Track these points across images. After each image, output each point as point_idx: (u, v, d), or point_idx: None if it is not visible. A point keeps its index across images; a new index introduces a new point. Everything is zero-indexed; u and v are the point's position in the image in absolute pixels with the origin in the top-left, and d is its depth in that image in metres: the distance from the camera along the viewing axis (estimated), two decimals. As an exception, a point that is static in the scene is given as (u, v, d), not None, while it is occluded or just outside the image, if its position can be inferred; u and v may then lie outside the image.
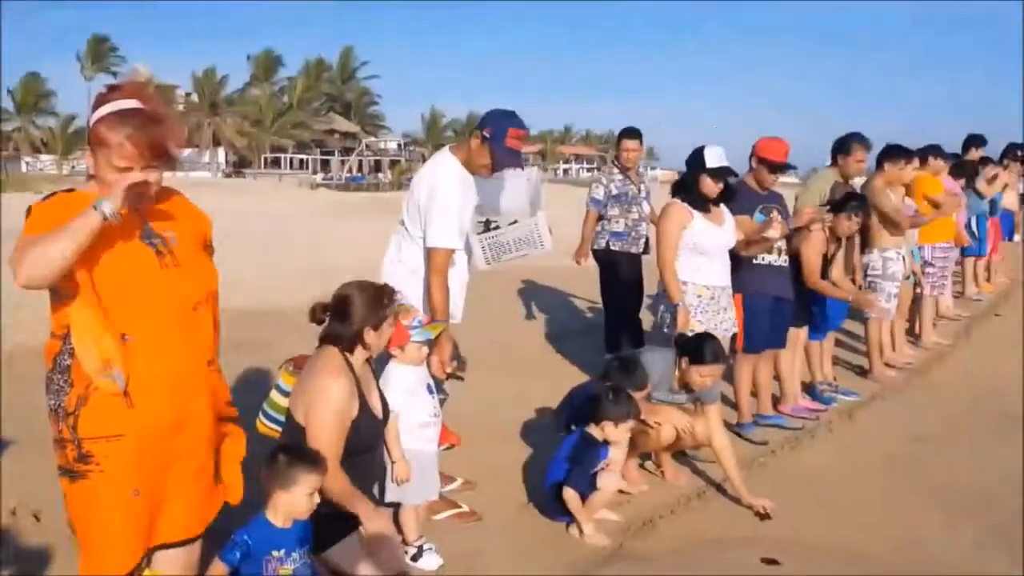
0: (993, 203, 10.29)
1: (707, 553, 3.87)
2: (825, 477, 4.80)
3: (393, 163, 63.02)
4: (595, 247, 6.99)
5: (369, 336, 3.17)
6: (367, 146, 65.02)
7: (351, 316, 3.12)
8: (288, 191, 40.03)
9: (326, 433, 3.03)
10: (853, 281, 6.06)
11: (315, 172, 58.01)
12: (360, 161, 63.20)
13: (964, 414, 5.93)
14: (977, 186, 9.71)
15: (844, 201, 5.55)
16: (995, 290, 10.79)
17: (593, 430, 4.05)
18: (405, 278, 4.00)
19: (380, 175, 60.55)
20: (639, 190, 6.92)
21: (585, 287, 8.97)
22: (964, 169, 9.13)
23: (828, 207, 5.58)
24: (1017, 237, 15.46)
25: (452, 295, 4.07)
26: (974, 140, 10.31)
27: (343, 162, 61.79)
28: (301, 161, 61.60)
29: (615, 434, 4.01)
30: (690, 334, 4.56)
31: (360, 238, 16.43)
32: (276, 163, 60.11)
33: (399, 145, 70.47)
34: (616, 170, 6.98)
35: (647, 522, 4.09)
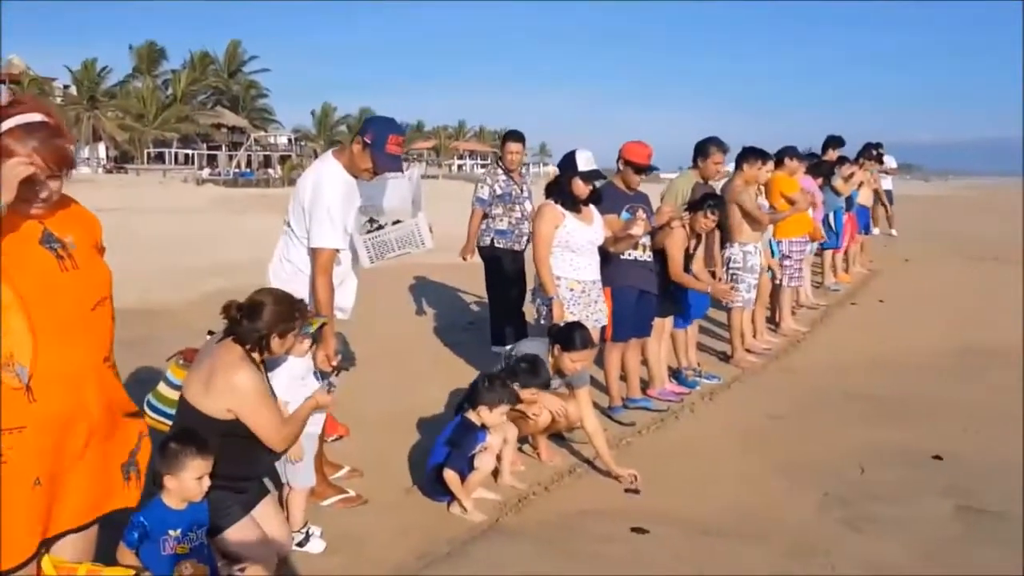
0: (849, 199, 11.12)
1: (578, 524, 4.22)
2: (686, 453, 5.26)
3: (283, 158, 61.88)
4: (480, 244, 7.31)
5: (274, 342, 3.39)
6: (256, 141, 63.60)
7: (261, 320, 3.34)
8: (174, 187, 38.87)
9: (264, 419, 3.28)
10: (714, 275, 6.57)
11: (201, 167, 56.36)
12: (249, 156, 61.77)
13: (813, 394, 6.52)
14: (834, 184, 10.49)
15: (702, 200, 6.03)
16: (852, 280, 11.67)
17: (471, 415, 4.37)
18: (291, 276, 4.20)
19: (270, 171, 59.28)
20: (522, 190, 7.27)
21: (471, 283, 9.28)
22: (821, 168, 9.83)
23: (687, 206, 6.05)
24: (876, 230, 16.66)
25: (340, 292, 4.30)
26: (832, 141, 11.11)
27: (231, 157, 60.27)
28: (186, 156, 59.79)
29: (491, 418, 4.34)
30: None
31: (250, 235, 16.27)
32: (160, 158, 58.15)
33: (289, 140, 69.20)
34: (500, 171, 7.31)
35: (522, 499, 4.44)
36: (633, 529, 4.13)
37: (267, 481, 3.67)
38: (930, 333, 8.60)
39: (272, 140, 67.24)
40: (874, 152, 12.39)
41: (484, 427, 4.36)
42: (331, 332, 4.07)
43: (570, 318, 5.09)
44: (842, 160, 11.06)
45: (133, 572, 2.83)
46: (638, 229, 5.26)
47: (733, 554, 3.88)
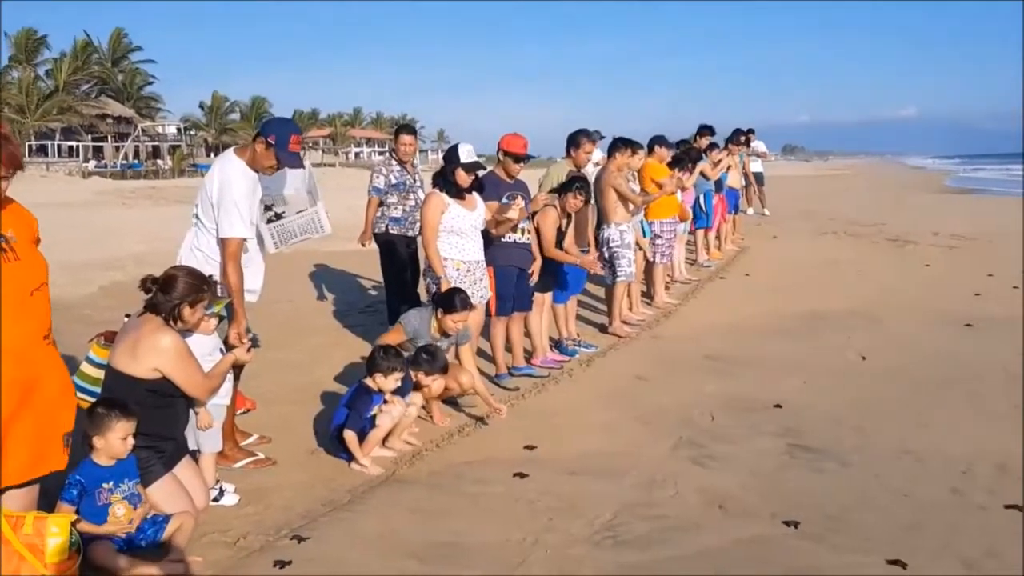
0: (719, 182, 12.08)
1: (465, 472, 4.83)
2: (563, 411, 5.94)
3: (173, 148, 60.36)
4: (376, 231, 7.82)
5: (185, 311, 3.89)
6: (143, 131, 61.81)
7: (174, 291, 3.83)
8: (58, 180, 37.72)
9: (188, 372, 3.80)
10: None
11: (87, 159, 54.50)
12: (136, 147, 60.02)
13: (676, 357, 7.32)
14: (703, 168, 11.39)
15: (570, 183, 6.70)
16: (723, 257, 12.66)
17: (368, 381, 4.94)
18: (203, 263, 4.63)
19: (159, 161, 57.81)
20: (415, 180, 7.80)
21: (369, 268, 9.78)
22: (687, 154, 10.61)
23: (557, 189, 6.73)
24: (750, 210, 17.86)
25: (249, 275, 4.78)
26: (704, 129, 12.02)
27: (118, 148, 58.43)
28: (71, 148, 57.64)
29: (386, 384, 4.91)
30: None
31: (142, 227, 16.28)
32: (43, 151, 55.90)
33: (179, 129, 67.47)
34: (394, 162, 7.83)
35: (416, 454, 5.03)
36: (515, 474, 4.77)
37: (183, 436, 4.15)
38: (784, 301, 9.59)
39: (160, 130, 65.36)
40: (742, 138, 13.39)
41: (380, 392, 4.93)
42: (242, 311, 4.56)
43: (457, 295, 5.70)
44: (712, 146, 12.00)
45: (73, 517, 3.32)
46: (514, 213, 5.88)
47: (592, 487, 4.56)
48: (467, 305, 5.32)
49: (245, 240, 4.67)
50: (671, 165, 10.01)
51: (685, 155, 10.41)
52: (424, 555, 3.77)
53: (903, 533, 4.06)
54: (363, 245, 8.08)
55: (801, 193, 28.82)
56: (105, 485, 3.50)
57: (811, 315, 9.01)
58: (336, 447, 4.89)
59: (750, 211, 17.84)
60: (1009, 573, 3.66)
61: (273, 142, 4.65)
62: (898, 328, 8.46)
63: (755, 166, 17.41)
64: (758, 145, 17.36)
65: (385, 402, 4.97)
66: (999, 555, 3.84)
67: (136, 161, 56.58)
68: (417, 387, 5.21)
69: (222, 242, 4.58)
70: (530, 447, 5.17)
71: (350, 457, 4.82)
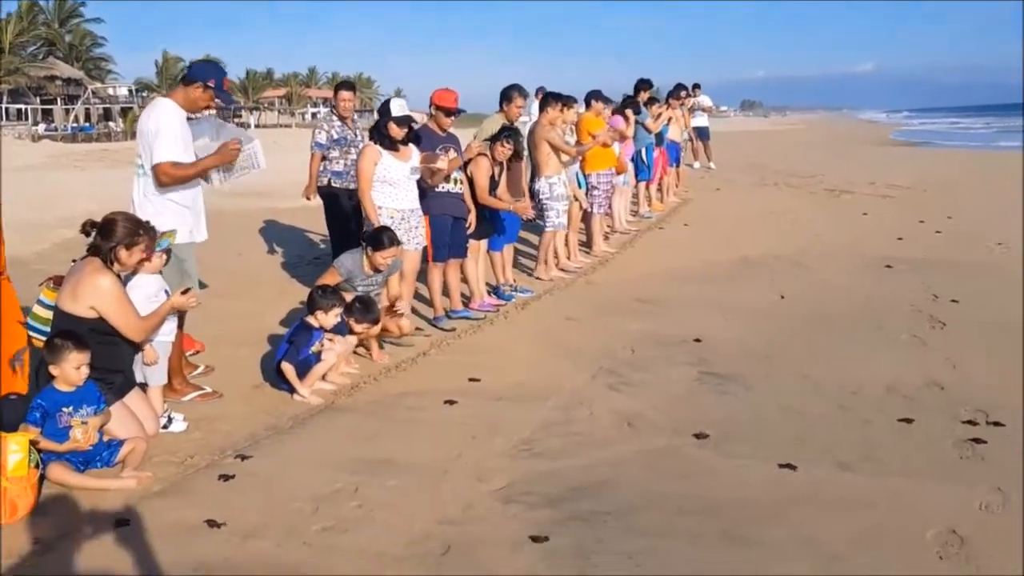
0: (659, 136, 12.47)
1: (400, 401, 5.22)
2: (494, 349, 6.34)
3: (125, 110, 59.38)
4: (319, 185, 8.11)
5: (122, 253, 4.21)
6: (94, 93, 60.69)
7: (113, 235, 4.15)
8: (8, 144, 37.02)
9: (123, 314, 4.11)
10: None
11: (36, 123, 53.47)
12: (87, 110, 58.95)
13: (608, 300, 7.75)
14: (644, 122, 11.77)
15: (499, 133, 7.04)
16: (665, 209, 13.10)
17: (310, 319, 5.30)
18: (160, 208, 4.95)
19: (111, 124, 56.88)
20: (355, 135, 8.09)
21: (316, 223, 10.06)
22: (626, 105, 10.97)
23: (488, 139, 7.06)
24: (696, 164, 18.32)
25: (196, 220, 5.15)
26: (643, 84, 12.35)
27: (68, 111, 57.37)
28: (19, 111, 56.46)
29: (326, 320, 5.28)
30: None
31: (96, 187, 16.34)
32: (-11, 113, 54.80)
33: (130, 91, 66.30)
34: (335, 117, 8.10)
35: (354, 387, 5.42)
36: (446, 401, 5.17)
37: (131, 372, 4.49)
38: (717, 249, 10.06)
39: (112, 92, 64.19)
40: (682, 92, 13.77)
41: (321, 328, 5.30)
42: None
43: (395, 241, 6.05)
44: (652, 101, 12.36)
45: (32, 436, 3.67)
46: (442, 163, 6.21)
47: (515, 411, 4.98)
48: (394, 242, 5.66)
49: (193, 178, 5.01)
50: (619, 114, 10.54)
51: (636, 108, 10.79)
52: (356, 468, 4.16)
53: (792, 443, 4.53)
54: (308, 199, 8.37)
55: (751, 148, 29.37)
56: (65, 409, 3.84)
57: (741, 261, 9.49)
58: (278, 380, 5.25)
59: (696, 165, 18.32)
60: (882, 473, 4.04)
61: (212, 85, 5.03)
62: (820, 270, 8.97)
63: (701, 120, 17.86)
64: (703, 100, 17.78)
65: (329, 340, 5.34)
66: (868, 458, 4.33)
67: (87, 124, 55.62)
68: (352, 332, 5.56)
69: (157, 168, 4.86)
70: (475, 379, 5.56)
71: (292, 389, 5.18)
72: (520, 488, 4.00)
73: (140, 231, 4.29)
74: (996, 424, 4.72)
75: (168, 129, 4.92)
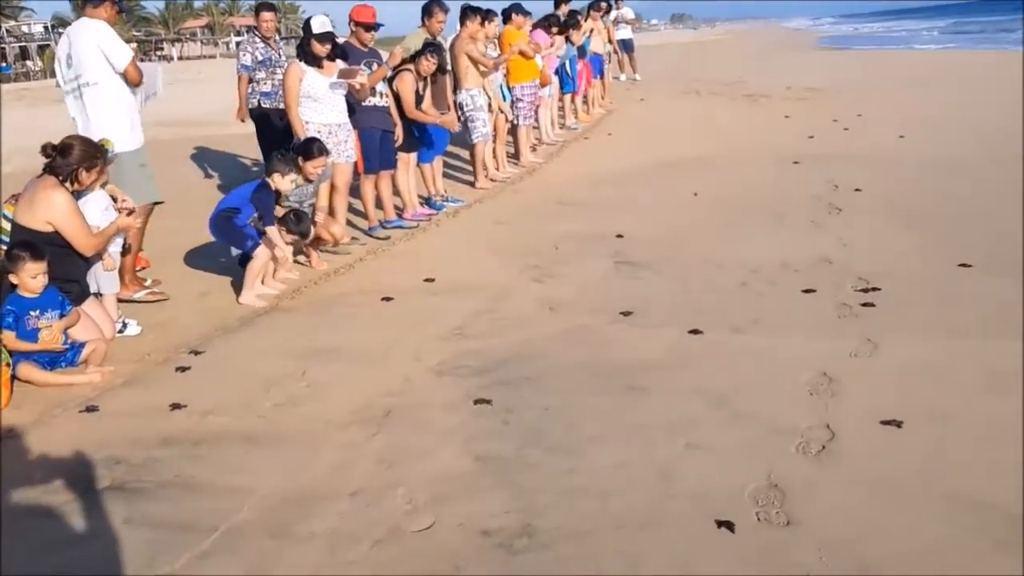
0: (582, 48, 12.77)
1: (340, 300, 5.63)
2: (427, 252, 6.77)
3: (42, 48, 57.06)
4: (250, 107, 8.32)
5: (82, 174, 4.52)
6: (8, 31, 58.07)
7: (72, 156, 4.45)
8: (-84, 87, 35.56)
9: (75, 228, 4.43)
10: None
11: (-55, 65, 51.22)
12: (2, 49, 56.49)
13: (533, 205, 8.19)
14: (570, 36, 12.03)
15: (423, 48, 7.33)
16: (591, 120, 13.48)
17: (268, 180, 5.70)
18: (112, 122, 5.44)
19: (28, 63, 54.73)
20: (280, 55, 8.28)
21: (249, 148, 10.25)
22: (549, 20, 11.25)
23: (412, 55, 7.34)
24: (623, 76, 18.65)
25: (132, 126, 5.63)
26: (561, -3, 12.56)
27: (-21, 52, 54.98)
28: (-75, 53, 53.99)
29: (282, 184, 5.67)
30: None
31: (18, 129, 16.08)
32: None
33: (46, 28, 63.52)
34: (258, 39, 8.27)
35: (296, 291, 5.81)
36: (383, 299, 5.60)
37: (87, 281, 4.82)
38: (639, 154, 10.52)
39: (27, 29, 61.46)
40: (602, 4, 14.02)
41: (277, 192, 5.69)
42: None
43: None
44: (572, 14, 12.60)
45: (8, 337, 4.02)
46: (361, 78, 6.49)
47: (448, 303, 5.43)
48: (323, 151, 5.97)
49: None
50: (561, 31, 10.86)
51: (556, 21, 11.08)
52: (303, 356, 4.59)
53: (693, 314, 5.06)
54: (242, 120, 8.58)
55: (677, 59, 29.72)
56: (32, 313, 4.20)
57: (660, 164, 9.97)
58: (221, 229, 5.71)
59: (622, 77, 18.66)
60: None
61: (118, 4, 5.55)
62: (733, 169, 9.51)
63: (624, 33, 18.14)
64: (626, 12, 18.05)
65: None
66: (760, 321, 4.90)
67: (4, 64, 53.41)
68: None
69: (128, 69, 5.43)
70: (409, 279, 5.98)
71: (224, 239, 5.67)
72: (452, 363, 4.47)
73: (98, 153, 4.60)
74: (872, 289, 5.31)
75: (111, 42, 5.38)
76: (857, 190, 8.08)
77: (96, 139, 4.88)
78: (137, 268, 6.02)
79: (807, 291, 5.34)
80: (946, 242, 6.24)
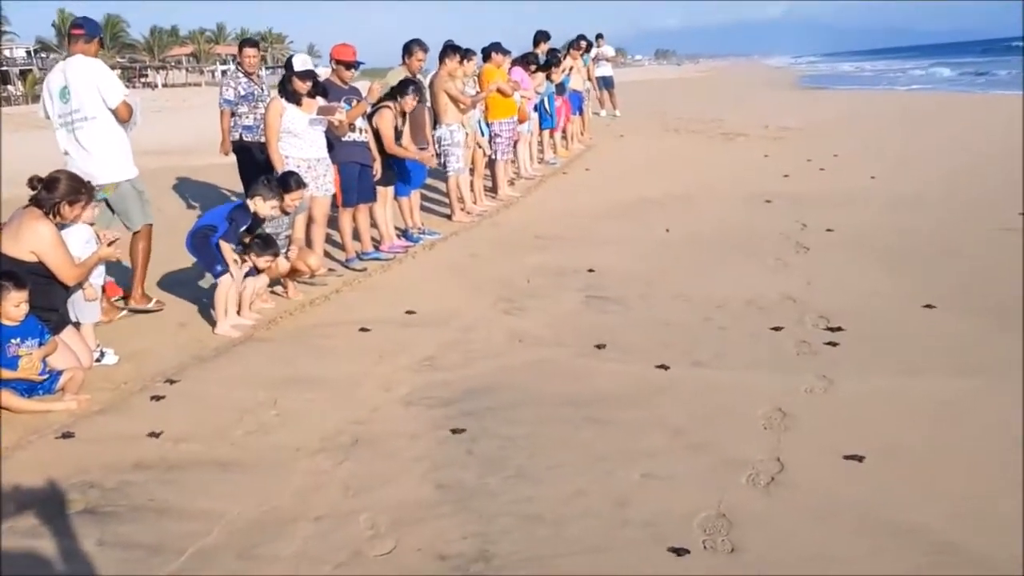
0: (561, 85, 13.03)
1: (316, 331, 5.76)
2: (403, 284, 6.91)
3: (24, 73, 57.20)
4: (232, 140, 8.48)
5: (65, 208, 4.66)
6: (-11, 56, 58.22)
7: (57, 191, 4.59)
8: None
9: (59, 258, 4.57)
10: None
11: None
12: (-17, 73, 56.58)
13: (509, 238, 8.37)
14: (549, 74, 12.29)
15: (403, 85, 7.52)
16: (570, 155, 13.73)
17: (249, 202, 5.86)
18: (107, 157, 5.81)
19: (9, 87, 54.80)
20: (263, 90, 8.47)
21: (229, 177, 10.39)
22: (528, 59, 11.50)
23: (392, 91, 7.53)
24: (603, 112, 18.96)
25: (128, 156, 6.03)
26: (541, 36, 12.84)
27: (-39, 76, 55.00)
28: (-92, 77, 53.96)
29: (263, 208, 5.82)
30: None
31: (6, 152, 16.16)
32: None
33: (29, 53, 63.73)
34: (241, 74, 8.45)
35: (271, 321, 5.93)
36: (360, 329, 5.73)
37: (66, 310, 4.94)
38: (616, 191, 10.75)
39: (9, 54, 61.58)
40: (582, 43, 14.33)
41: (256, 215, 5.83)
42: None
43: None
44: (552, 52, 12.88)
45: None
46: (340, 115, 6.67)
47: (420, 334, 5.58)
48: (300, 184, 6.12)
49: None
50: (542, 70, 11.09)
51: (534, 59, 11.34)
52: (275, 386, 4.71)
53: (659, 348, 5.22)
54: (225, 154, 8.74)
55: (658, 96, 30.18)
56: (13, 341, 4.31)
57: (636, 200, 10.19)
58: (196, 250, 5.83)
59: (603, 113, 18.98)
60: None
61: (100, 40, 6.01)
62: (706, 207, 9.73)
63: (605, 70, 18.48)
64: (607, 50, 18.39)
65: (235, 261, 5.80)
66: (722, 356, 5.06)
67: (-16, 88, 53.41)
68: (258, 271, 6.03)
69: (120, 106, 5.84)
70: (383, 310, 6.12)
71: (210, 262, 5.74)
72: (421, 394, 4.61)
73: (82, 189, 4.75)
74: (836, 329, 5.48)
75: (112, 76, 5.83)
76: (829, 230, 8.29)
77: (98, 172, 5.34)
78: (113, 297, 6.14)
79: (774, 328, 5.50)
80: (911, 282, 6.43)
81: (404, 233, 8.25)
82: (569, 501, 3.42)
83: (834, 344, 5.20)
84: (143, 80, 68.52)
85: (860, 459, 3.70)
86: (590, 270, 7.12)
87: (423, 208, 9.28)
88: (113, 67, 6.20)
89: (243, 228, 5.81)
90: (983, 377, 4.58)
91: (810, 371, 4.78)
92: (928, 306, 5.83)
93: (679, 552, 3.04)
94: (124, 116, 5.89)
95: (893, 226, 8.40)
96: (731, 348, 5.22)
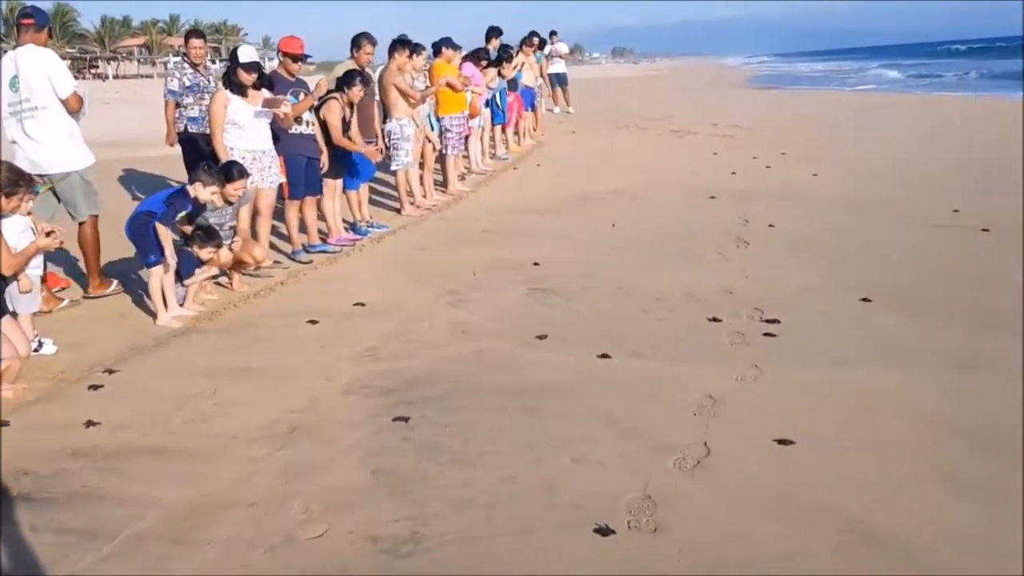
0: (513, 81, 13.12)
1: (262, 322, 5.78)
2: (350, 276, 6.96)
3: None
4: (177, 131, 8.43)
5: (1, 200, 4.61)
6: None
7: None
8: None
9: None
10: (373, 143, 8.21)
11: None
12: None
13: (456, 232, 8.44)
14: (501, 70, 12.38)
15: (350, 76, 7.54)
16: (521, 151, 13.83)
17: (189, 188, 5.87)
18: (58, 147, 5.83)
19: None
20: (209, 81, 8.42)
21: (176, 168, 10.30)
22: (479, 54, 11.59)
23: (338, 83, 7.55)
24: (556, 109, 19.09)
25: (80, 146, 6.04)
26: (493, 31, 12.93)
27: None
28: None
29: (202, 193, 5.82)
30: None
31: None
32: None
33: (-28, 41, 62.11)
34: (187, 65, 8.40)
35: (214, 312, 5.93)
36: (309, 321, 5.75)
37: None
38: (564, 186, 10.88)
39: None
40: (535, 40, 14.43)
41: (196, 201, 5.82)
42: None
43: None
44: (504, 48, 12.97)
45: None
46: (285, 107, 6.69)
47: (363, 325, 5.63)
48: (243, 174, 6.13)
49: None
50: (493, 65, 11.14)
51: (485, 55, 11.41)
52: (214, 375, 4.74)
53: (598, 339, 5.32)
54: (171, 145, 8.70)
55: (613, 93, 30.44)
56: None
57: (585, 196, 10.32)
58: (136, 234, 5.79)
59: (556, 110, 19.11)
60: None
61: (48, 30, 6.03)
62: (652, 202, 9.90)
63: (558, 67, 18.61)
64: (560, 47, 18.53)
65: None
66: (659, 347, 5.18)
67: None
68: (202, 262, 6.02)
69: (71, 97, 5.86)
70: (327, 302, 6.15)
71: (149, 250, 5.71)
72: (361, 383, 4.66)
73: (21, 181, 4.72)
74: (772, 321, 5.62)
75: (63, 67, 5.88)
76: (771, 226, 8.48)
77: (47, 162, 5.43)
78: (55, 288, 6.10)
79: (712, 320, 5.64)
80: (848, 276, 6.62)
81: (352, 226, 8.27)
82: (500, 485, 3.51)
83: (771, 335, 5.35)
84: (93, 71, 67.15)
85: (787, 443, 3.84)
86: (535, 263, 7.21)
87: (372, 202, 9.31)
88: (63, 57, 6.15)
89: (183, 213, 5.81)
90: (910, 368, 4.75)
91: (743, 361, 4.92)
92: (865, 299, 6.02)
93: (604, 532, 3.14)
94: (74, 106, 5.91)
95: (833, 222, 8.63)
96: (668, 339, 5.35)
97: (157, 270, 5.64)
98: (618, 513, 3.28)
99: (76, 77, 6.18)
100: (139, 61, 74.02)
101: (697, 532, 3.16)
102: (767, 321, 5.62)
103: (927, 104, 24.24)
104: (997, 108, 21.89)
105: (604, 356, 4.99)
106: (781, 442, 3.85)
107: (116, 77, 61.54)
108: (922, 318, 5.61)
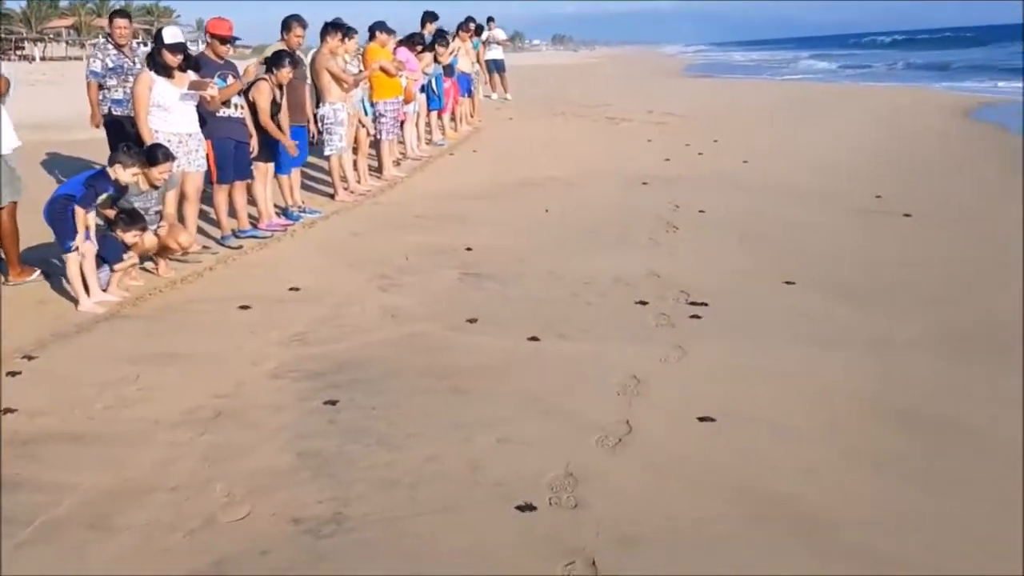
0: (450, 67, 13.07)
1: (190, 308, 5.69)
2: (281, 262, 6.88)
3: None
4: (102, 114, 8.23)
5: None
6: None
7: None
8: None
9: None
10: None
11: None
12: None
13: (390, 217, 8.41)
14: (436, 55, 12.32)
15: (278, 56, 7.44)
16: (458, 137, 13.81)
17: (109, 170, 5.77)
18: None
19: None
20: (133, 62, 8.23)
21: (103, 151, 10.07)
22: (414, 39, 11.53)
23: (266, 64, 7.45)
24: (494, 95, 19.08)
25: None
26: (428, 16, 12.85)
27: None
28: None
29: (123, 175, 5.74)
30: None
31: None
32: None
33: None
34: (110, 46, 8.20)
35: (138, 298, 5.83)
36: (239, 307, 5.69)
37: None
38: (500, 172, 10.90)
39: None
40: (471, 25, 14.39)
41: (117, 183, 5.73)
42: None
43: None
44: (440, 33, 12.90)
45: None
46: (212, 91, 6.59)
47: (292, 310, 5.59)
48: (168, 157, 6.03)
49: None
50: (428, 50, 11.08)
51: (420, 40, 11.36)
52: (137, 361, 4.67)
53: (528, 323, 5.37)
54: (96, 127, 8.51)
55: (551, 80, 30.51)
56: None
57: (520, 182, 10.36)
58: (55, 218, 5.67)
59: (493, 96, 19.10)
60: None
61: None
62: (586, 189, 9.99)
63: (496, 53, 18.59)
64: (498, 33, 18.51)
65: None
66: (586, 330, 5.25)
67: None
68: (127, 247, 5.91)
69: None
70: (257, 287, 6.08)
71: (65, 232, 5.60)
72: (288, 368, 4.64)
73: None
74: (699, 303, 5.74)
75: None
76: (701, 211, 8.63)
77: None
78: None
79: (639, 303, 5.73)
80: (774, 260, 6.79)
81: (284, 211, 8.19)
82: (425, 465, 3.54)
83: (697, 317, 5.46)
84: (19, 53, 64.98)
85: (708, 420, 3.94)
86: (469, 249, 7.23)
87: (305, 187, 9.23)
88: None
89: (105, 196, 5.69)
90: (833, 348, 4.90)
91: (668, 342, 5.02)
92: (788, 282, 6.17)
93: (525, 508, 3.19)
94: (1, 89, 5.76)
95: (761, 208, 8.82)
96: (596, 321, 5.43)
97: (72, 256, 5.52)
98: (540, 490, 3.33)
99: (0, 59, 5.96)
100: (67, 43, 71.77)
101: (616, 507, 3.23)
102: (693, 303, 5.74)
103: (856, 94, 24.85)
104: (923, 97, 22.60)
105: (533, 339, 5.04)
106: (702, 420, 3.96)
107: (43, 59, 59.62)
108: (845, 300, 5.79)
